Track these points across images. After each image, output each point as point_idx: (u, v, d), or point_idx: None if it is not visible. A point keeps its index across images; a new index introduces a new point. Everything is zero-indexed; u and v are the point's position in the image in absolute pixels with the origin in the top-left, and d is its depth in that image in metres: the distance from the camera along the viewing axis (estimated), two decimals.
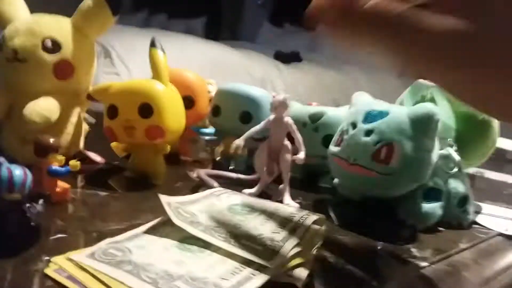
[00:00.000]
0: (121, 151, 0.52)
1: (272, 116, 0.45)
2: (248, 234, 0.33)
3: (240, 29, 3.54)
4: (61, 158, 0.39)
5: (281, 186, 0.47)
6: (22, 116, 0.43)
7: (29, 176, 0.28)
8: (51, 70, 0.45)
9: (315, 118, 0.54)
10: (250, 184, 0.49)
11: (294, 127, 0.45)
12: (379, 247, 0.38)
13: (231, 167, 0.58)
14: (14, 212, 0.27)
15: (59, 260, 0.27)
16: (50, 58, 0.45)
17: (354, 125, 0.45)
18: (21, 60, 0.44)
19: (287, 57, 2.51)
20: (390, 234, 0.42)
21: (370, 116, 0.43)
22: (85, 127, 0.55)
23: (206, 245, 0.31)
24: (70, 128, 0.49)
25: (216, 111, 0.58)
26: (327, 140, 0.53)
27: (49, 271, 0.26)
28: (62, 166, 0.38)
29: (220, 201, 0.39)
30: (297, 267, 0.31)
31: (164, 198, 0.34)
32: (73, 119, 0.50)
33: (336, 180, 0.54)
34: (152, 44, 0.47)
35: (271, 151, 0.46)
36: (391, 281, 0.33)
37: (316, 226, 0.36)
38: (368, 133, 0.42)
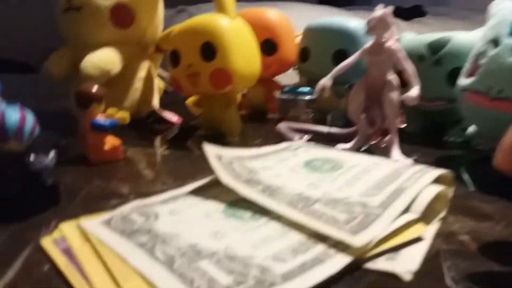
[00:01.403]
0: (195, 108, 0.46)
1: (369, 43, 0.33)
2: (327, 197, 0.22)
3: None
4: (113, 111, 0.33)
5: (386, 137, 0.35)
6: (79, 71, 0.38)
7: (30, 120, 0.22)
8: (108, 17, 0.40)
9: (436, 47, 0.40)
10: (345, 139, 0.38)
11: (402, 53, 0.32)
12: None
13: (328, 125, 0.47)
14: (13, 167, 0.21)
15: (66, 227, 0.21)
16: (106, 2, 0.40)
17: (495, 43, 0.30)
18: (75, 7, 0.40)
19: (408, 13, 2.24)
20: None
21: None
22: (160, 84, 0.50)
23: (263, 211, 0.21)
24: (138, 84, 0.44)
25: (304, 55, 0.48)
26: (454, 75, 0.38)
27: (47, 241, 0.20)
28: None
29: (296, 156, 0.29)
30: (402, 247, 0.20)
31: (211, 149, 0.25)
32: (141, 73, 0.45)
33: (470, 129, 0.40)
34: None
35: (370, 91, 0.34)
36: None
37: (437, 186, 0.24)
38: None
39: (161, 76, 0.53)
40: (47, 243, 0.19)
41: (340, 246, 0.18)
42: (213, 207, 0.22)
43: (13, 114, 0.21)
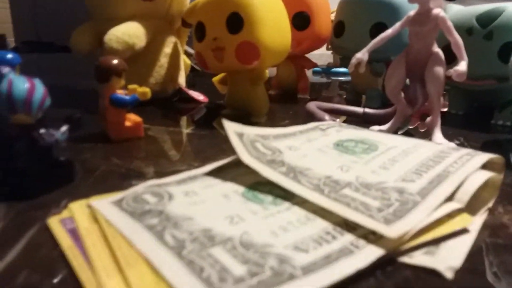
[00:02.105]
0: (221, 87, 0.44)
1: (412, 11, 0.30)
2: (359, 181, 0.20)
3: None
4: (134, 87, 0.31)
5: (428, 118, 0.32)
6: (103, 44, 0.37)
7: (39, 92, 0.20)
8: None
9: (487, 19, 0.36)
10: (382, 121, 0.35)
11: (449, 23, 0.29)
12: None
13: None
14: (23, 141, 0.20)
15: (76, 206, 0.19)
16: None
17: None
18: None
19: None
20: None
21: None
22: (186, 61, 0.48)
23: (286, 195, 0.19)
24: (163, 60, 0.43)
25: (338, 29, 0.44)
26: (507, 51, 0.35)
27: (54, 220, 0.18)
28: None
29: (326, 136, 0.27)
30: (444, 240, 0.17)
31: (231, 126, 0.23)
32: (167, 49, 0.43)
33: None
34: None
35: (412, 67, 0.31)
36: None
37: (486, 172, 0.21)
38: None
39: (188, 53, 0.51)
40: (54, 223, 0.18)
41: (371, 236, 0.16)
42: (232, 189, 0.20)
43: (21, 85, 0.20)
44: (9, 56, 0.30)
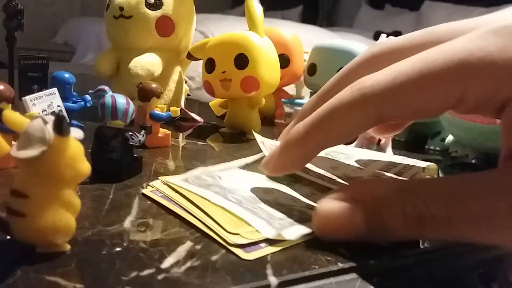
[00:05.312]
0: (218, 109, 0.53)
1: None
2: (345, 176, 0.30)
3: (337, 15, 3.50)
4: (163, 106, 0.40)
5: (382, 141, 0.43)
6: (128, 70, 0.45)
7: (131, 105, 0.29)
8: (154, 26, 0.47)
9: None
10: (348, 141, 0.46)
11: None
12: None
13: None
14: (117, 138, 0.28)
15: (155, 183, 0.28)
16: (153, 14, 0.47)
17: None
18: (126, 16, 0.47)
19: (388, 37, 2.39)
20: None
21: None
22: (186, 87, 0.57)
23: (297, 179, 0.29)
24: (172, 85, 0.51)
25: (311, 69, 0.56)
26: None
27: (147, 191, 0.27)
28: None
29: None
30: None
31: (258, 137, 0.33)
32: (175, 77, 0.52)
33: (448, 139, 0.49)
34: None
35: None
36: None
37: (426, 175, 0.32)
38: None
39: (186, 81, 0.60)
40: (149, 193, 0.26)
41: None
42: (259, 177, 0.30)
43: (121, 100, 0.28)
44: (67, 76, 0.38)
